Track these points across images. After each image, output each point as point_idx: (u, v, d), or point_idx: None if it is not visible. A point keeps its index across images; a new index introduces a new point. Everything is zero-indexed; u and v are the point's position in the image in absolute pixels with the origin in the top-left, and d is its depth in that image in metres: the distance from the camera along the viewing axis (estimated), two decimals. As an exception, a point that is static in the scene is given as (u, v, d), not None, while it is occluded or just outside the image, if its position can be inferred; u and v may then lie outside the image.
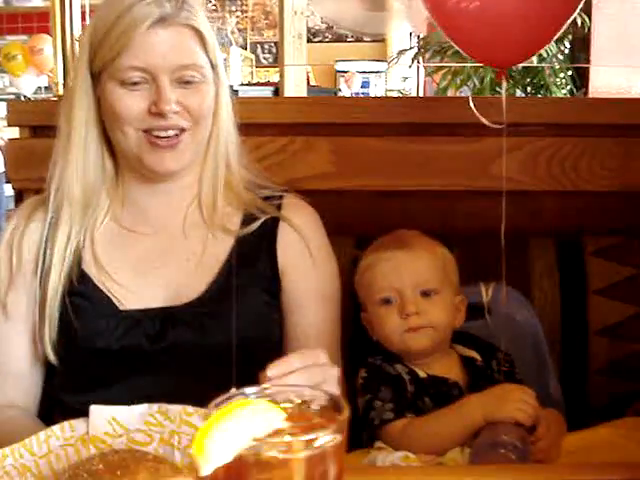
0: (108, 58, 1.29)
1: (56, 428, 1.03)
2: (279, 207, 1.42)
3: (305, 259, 1.40)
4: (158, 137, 1.31)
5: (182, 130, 1.32)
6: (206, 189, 1.40)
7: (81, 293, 1.34)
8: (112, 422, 1.02)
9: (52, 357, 1.32)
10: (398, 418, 1.34)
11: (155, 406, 1.04)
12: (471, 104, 1.44)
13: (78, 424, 1.04)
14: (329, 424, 0.75)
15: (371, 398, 1.37)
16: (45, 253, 1.36)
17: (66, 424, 1.04)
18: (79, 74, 1.34)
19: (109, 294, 1.34)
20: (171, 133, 1.31)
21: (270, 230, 1.40)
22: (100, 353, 1.31)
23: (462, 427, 1.29)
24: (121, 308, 1.34)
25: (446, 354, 1.46)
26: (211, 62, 1.35)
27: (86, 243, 1.38)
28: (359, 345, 1.56)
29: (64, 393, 1.34)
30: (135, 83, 1.29)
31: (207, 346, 1.31)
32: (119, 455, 0.89)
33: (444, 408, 1.34)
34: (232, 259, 1.37)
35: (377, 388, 1.38)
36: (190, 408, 1.02)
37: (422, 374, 1.41)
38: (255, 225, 1.39)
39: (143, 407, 1.04)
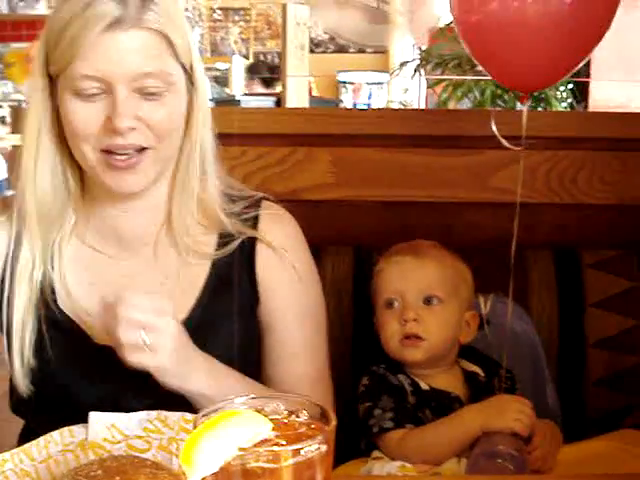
0: (62, 63, 1.14)
1: (55, 434, 1.04)
2: (256, 221, 1.31)
3: (286, 278, 1.32)
4: (116, 156, 1.17)
5: (143, 149, 1.18)
6: (177, 209, 1.27)
7: (53, 323, 1.24)
8: (111, 428, 1.03)
9: (23, 389, 1.23)
10: (397, 428, 1.34)
11: (154, 413, 1.04)
12: (492, 124, 1.43)
13: (77, 430, 1.04)
14: (315, 434, 0.76)
15: (371, 406, 1.37)
16: (11, 275, 1.25)
17: (65, 430, 1.04)
18: (35, 78, 1.19)
19: (81, 324, 1.24)
20: (130, 152, 1.17)
21: (248, 250, 1.30)
22: (78, 393, 1.22)
23: (459, 437, 1.30)
24: (97, 341, 1.23)
25: (450, 368, 1.46)
26: (184, 67, 1.20)
27: (55, 265, 1.26)
28: (361, 351, 1.57)
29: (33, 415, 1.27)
30: (92, 95, 1.14)
31: None
32: (118, 461, 0.89)
33: (442, 418, 1.34)
34: (211, 284, 1.28)
35: (378, 396, 1.38)
36: (189, 415, 1.03)
37: (424, 386, 1.41)
38: (232, 247, 1.28)
39: (142, 414, 1.04)
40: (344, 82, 8.77)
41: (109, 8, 1.12)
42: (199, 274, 1.28)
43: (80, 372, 1.23)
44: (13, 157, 1.78)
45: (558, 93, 3.56)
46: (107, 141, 1.16)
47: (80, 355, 1.24)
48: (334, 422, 0.77)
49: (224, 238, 1.29)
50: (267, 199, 1.35)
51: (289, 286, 1.33)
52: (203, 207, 1.28)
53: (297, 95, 4.74)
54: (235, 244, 1.28)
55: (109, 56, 1.13)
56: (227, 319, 1.28)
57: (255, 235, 1.30)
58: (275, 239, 1.31)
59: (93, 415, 1.04)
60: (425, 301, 1.42)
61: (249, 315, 1.32)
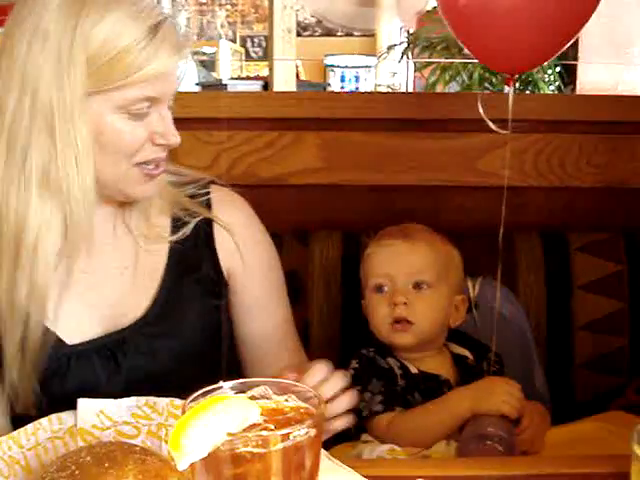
0: (117, 85, 1.11)
1: (44, 421, 1.03)
2: (208, 204, 1.32)
3: (246, 258, 1.33)
4: (149, 166, 1.18)
5: None
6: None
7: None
8: (100, 415, 1.02)
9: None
10: (387, 411, 1.35)
11: (143, 399, 1.04)
12: (479, 107, 1.43)
13: (66, 417, 1.04)
14: (304, 418, 0.76)
15: (361, 390, 1.37)
16: None
17: (54, 417, 1.04)
18: (76, 93, 1.10)
19: (54, 328, 1.21)
20: (162, 162, 1.20)
21: (206, 232, 1.31)
22: (59, 395, 1.19)
23: (449, 420, 1.31)
24: (69, 343, 1.21)
25: (439, 351, 1.47)
26: None
27: None
28: (350, 335, 1.58)
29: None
30: (142, 114, 1.14)
31: (158, 370, 1.23)
32: (107, 447, 0.89)
33: (431, 401, 1.35)
34: (171, 269, 1.27)
35: (368, 380, 1.38)
36: (177, 401, 1.02)
37: (414, 369, 1.42)
38: (188, 230, 1.28)
39: (131, 400, 1.04)
40: (331, 65, 8.74)
41: (174, 36, 1.13)
42: (158, 260, 1.28)
43: (59, 376, 1.21)
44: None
45: (546, 76, 3.56)
46: (150, 155, 1.17)
47: (56, 357, 1.21)
48: (323, 406, 0.77)
49: (177, 222, 1.29)
50: (215, 182, 1.36)
51: (250, 267, 1.33)
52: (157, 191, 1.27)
53: (284, 79, 4.72)
54: (190, 226, 1.29)
55: (169, 80, 1.16)
56: (192, 302, 1.28)
57: (210, 217, 1.31)
58: (229, 220, 1.32)
59: (82, 402, 1.03)
60: (415, 285, 1.42)
61: (215, 296, 1.32)
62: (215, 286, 1.32)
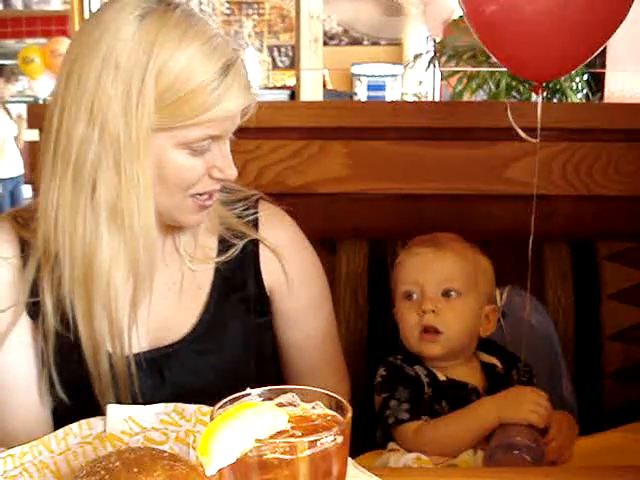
0: (186, 124, 1.11)
1: (74, 426, 1.05)
2: (255, 223, 1.33)
3: (290, 277, 1.33)
4: (203, 197, 1.19)
5: None
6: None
7: (75, 338, 1.20)
8: (129, 421, 1.03)
9: (64, 396, 1.23)
10: (413, 419, 1.34)
11: (171, 405, 1.05)
12: (509, 115, 1.43)
13: (96, 422, 1.05)
14: (332, 426, 0.76)
15: (388, 397, 1.38)
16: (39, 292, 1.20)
17: (84, 422, 1.05)
18: (142, 129, 1.10)
19: (99, 337, 1.20)
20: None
21: (252, 251, 1.32)
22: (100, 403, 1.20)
23: (476, 429, 1.30)
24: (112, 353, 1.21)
25: (468, 360, 1.46)
26: None
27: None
28: (376, 343, 1.58)
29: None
30: (205, 149, 1.15)
31: (201, 385, 1.24)
32: (136, 453, 0.90)
33: (458, 410, 1.35)
34: (217, 288, 1.28)
35: (394, 387, 1.38)
36: (205, 408, 1.03)
37: (441, 377, 1.41)
38: (234, 251, 1.29)
39: (159, 406, 1.05)
40: (358, 74, 8.75)
41: (244, 75, 1.14)
42: (204, 279, 1.29)
43: (104, 385, 1.21)
44: (29, 153, 1.76)
45: (574, 84, 3.55)
46: (207, 187, 1.18)
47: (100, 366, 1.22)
48: (350, 413, 0.78)
49: (224, 243, 1.30)
50: (263, 199, 1.36)
51: (297, 284, 1.34)
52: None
53: (311, 88, 4.74)
54: (238, 248, 1.30)
55: (234, 118, 1.16)
56: (236, 321, 1.29)
57: (257, 237, 1.31)
58: (275, 240, 1.33)
59: (111, 407, 1.05)
60: (444, 293, 1.42)
61: (259, 314, 1.33)
62: (259, 304, 1.33)
